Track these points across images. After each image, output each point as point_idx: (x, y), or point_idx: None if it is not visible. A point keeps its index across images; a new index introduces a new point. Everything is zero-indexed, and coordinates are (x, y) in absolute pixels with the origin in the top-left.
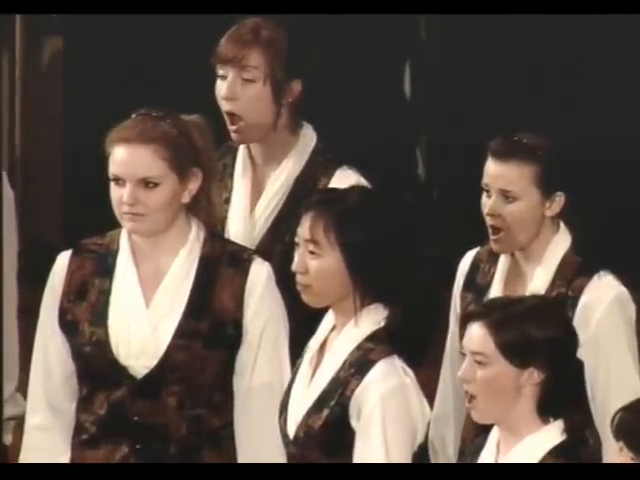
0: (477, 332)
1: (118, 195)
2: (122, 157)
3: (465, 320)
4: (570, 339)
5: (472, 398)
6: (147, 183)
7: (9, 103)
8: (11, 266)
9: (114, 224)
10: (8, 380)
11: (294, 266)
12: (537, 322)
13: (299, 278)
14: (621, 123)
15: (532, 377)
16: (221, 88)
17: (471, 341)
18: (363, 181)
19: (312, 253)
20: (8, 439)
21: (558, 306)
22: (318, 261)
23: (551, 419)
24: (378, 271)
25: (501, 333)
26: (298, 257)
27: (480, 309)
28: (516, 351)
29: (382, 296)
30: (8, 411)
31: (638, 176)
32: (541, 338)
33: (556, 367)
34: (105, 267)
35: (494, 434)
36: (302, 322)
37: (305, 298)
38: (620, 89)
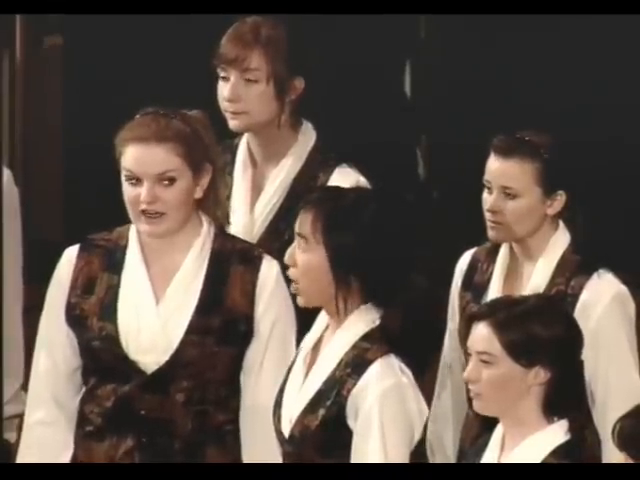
0: (482, 332)
1: (134, 194)
2: (138, 156)
3: (469, 320)
4: (575, 338)
5: (477, 395)
6: (164, 179)
7: (9, 102)
8: (17, 264)
9: (114, 222)
10: (13, 378)
11: (285, 258)
12: (542, 321)
13: (289, 271)
14: (623, 123)
15: (538, 376)
16: (224, 90)
17: (476, 341)
18: (362, 179)
19: (301, 247)
20: (12, 437)
21: (563, 305)
22: (305, 256)
23: (556, 418)
24: (363, 274)
25: (506, 332)
26: (290, 250)
27: (485, 309)
28: (522, 350)
29: (368, 298)
30: (13, 409)
31: (638, 175)
32: (546, 337)
33: (562, 366)
34: (114, 262)
35: (498, 432)
36: (304, 320)
37: (298, 300)
38: (622, 89)
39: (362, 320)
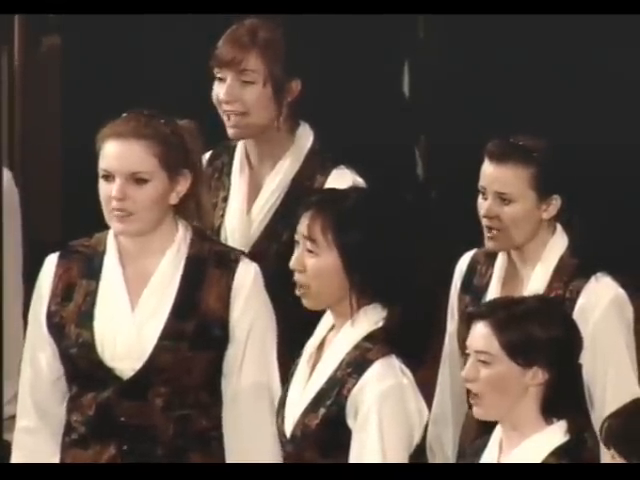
0: (481, 331)
1: (107, 191)
2: (113, 151)
3: (469, 319)
4: (574, 340)
5: (476, 396)
6: (137, 179)
7: (8, 102)
8: (17, 264)
9: None
10: (13, 378)
11: (292, 263)
12: (541, 322)
13: (297, 276)
14: (618, 126)
15: (536, 377)
16: (219, 90)
17: (475, 340)
18: (359, 180)
19: (310, 252)
20: (12, 437)
21: (562, 307)
22: (316, 260)
23: (554, 419)
24: (375, 272)
25: (505, 332)
26: (296, 255)
27: (484, 308)
28: (520, 351)
29: (379, 296)
30: (13, 409)
31: (635, 177)
32: (545, 338)
33: (560, 367)
34: (92, 269)
35: (497, 433)
36: (300, 322)
37: (305, 302)
38: (619, 91)
39: (367, 320)
